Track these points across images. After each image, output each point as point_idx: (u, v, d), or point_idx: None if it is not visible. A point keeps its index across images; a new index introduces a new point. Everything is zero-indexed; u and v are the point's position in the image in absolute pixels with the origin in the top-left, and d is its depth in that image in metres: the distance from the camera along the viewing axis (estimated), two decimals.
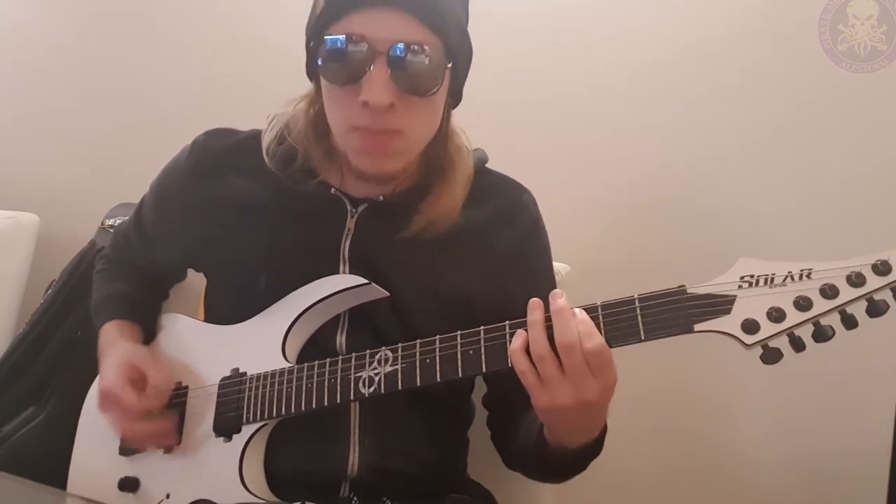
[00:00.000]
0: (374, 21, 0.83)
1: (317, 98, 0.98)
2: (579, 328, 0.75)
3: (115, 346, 1.03)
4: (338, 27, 0.85)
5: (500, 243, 0.99)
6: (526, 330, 0.79)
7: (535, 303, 0.79)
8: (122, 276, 1.15)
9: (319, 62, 0.87)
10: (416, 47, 0.83)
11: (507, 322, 0.82)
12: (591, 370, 0.75)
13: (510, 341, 0.81)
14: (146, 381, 0.97)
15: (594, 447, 0.87)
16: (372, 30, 0.83)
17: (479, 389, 1.09)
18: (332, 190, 0.97)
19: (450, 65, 0.88)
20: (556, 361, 0.76)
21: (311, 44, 0.90)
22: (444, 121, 0.96)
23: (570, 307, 0.77)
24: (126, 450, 1.01)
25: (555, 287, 1.04)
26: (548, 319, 0.78)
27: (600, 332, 0.77)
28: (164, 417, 0.97)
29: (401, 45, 0.83)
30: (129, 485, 0.98)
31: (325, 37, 0.85)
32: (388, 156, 0.90)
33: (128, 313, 1.09)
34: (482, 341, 0.82)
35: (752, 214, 1.44)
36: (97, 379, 1.08)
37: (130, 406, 0.95)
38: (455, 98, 0.97)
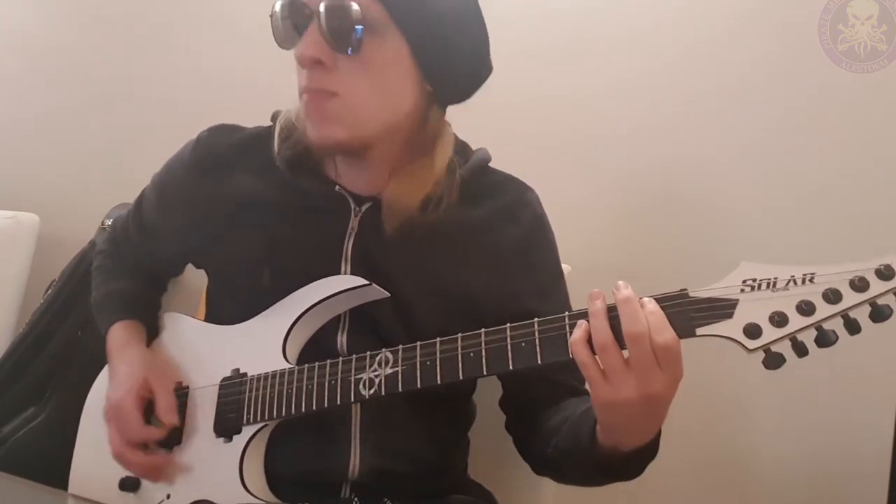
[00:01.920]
0: None
1: None
2: (649, 319, 0.72)
3: (129, 351, 1.03)
4: None
5: (503, 241, 0.99)
6: (587, 321, 0.75)
7: (596, 293, 0.76)
8: (121, 273, 1.15)
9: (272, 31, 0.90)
10: (342, 6, 0.85)
11: (508, 325, 0.81)
12: (658, 363, 0.72)
13: (510, 344, 0.80)
14: (155, 403, 0.96)
15: (650, 449, 0.81)
16: None
17: (485, 391, 1.08)
18: (337, 188, 0.97)
19: (403, 36, 0.87)
20: (619, 352, 0.73)
21: None
22: (420, 108, 0.94)
23: (636, 297, 0.73)
24: None
25: (563, 283, 1.05)
26: (611, 310, 0.74)
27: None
28: (159, 452, 0.96)
29: (326, 5, 0.85)
30: (129, 484, 0.98)
31: (276, 5, 0.89)
32: (327, 120, 0.90)
33: (132, 312, 1.09)
34: (483, 343, 0.82)
35: (752, 214, 1.44)
36: (99, 377, 1.09)
37: (133, 432, 0.94)
38: (434, 85, 0.93)
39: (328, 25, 0.85)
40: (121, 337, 1.05)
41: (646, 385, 0.72)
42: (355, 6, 0.85)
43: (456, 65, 0.94)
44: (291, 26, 0.88)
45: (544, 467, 1.01)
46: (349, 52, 0.86)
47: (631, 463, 0.82)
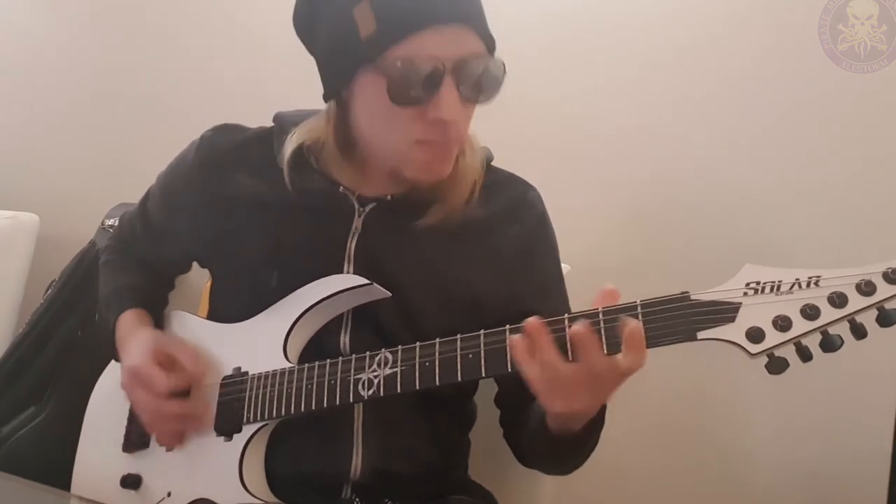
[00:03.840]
0: (438, 39, 0.82)
1: (338, 118, 0.94)
2: (606, 360, 0.74)
3: (137, 332, 1.03)
4: (401, 49, 0.82)
5: (507, 241, 0.99)
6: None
7: (534, 326, 0.76)
8: (129, 269, 1.15)
9: (387, 87, 0.83)
10: (473, 61, 0.85)
11: (508, 326, 0.81)
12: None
13: (509, 346, 0.80)
14: (175, 363, 0.96)
15: (598, 422, 0.85)
16: (439, 48, 0.82)
17: (485, 392, 1.08)
18: (340, 189, 0.97)
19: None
20: (574, 379, 0.75)
21: (350, 65, 0.87)
22: None
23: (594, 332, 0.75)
24: (129, 445, 1.02)
25: (562, 283, 1.05)
26: (557, 331, 0.76)
27: (600, 338, 0.75)
28: (196, 401, 0.96)
29: (468, 61, 0.84)
30: (131, 482, 0.98)
31: (392, 61, 0.82)
32: (449, 161, 0.91)
33: (141, 303, 1.09)
34: (482, 345, 0.81)
35: (753, 214, 1.44)
36: (102, 377, 1.09)
37: (161, 384, 0.93)
38: None
39: (467, 85, 0.85)
40: (130, 323, 1.05)
41: (599, 398, 0.78)
42: (483, 58, 0.86)
43: None
44: (420, 86, 0.83)
45: (526, 457, 1.01)
46: (485, 102, 0.89)
47: (585, 439, 0.86)
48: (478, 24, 0.87)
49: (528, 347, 0.76)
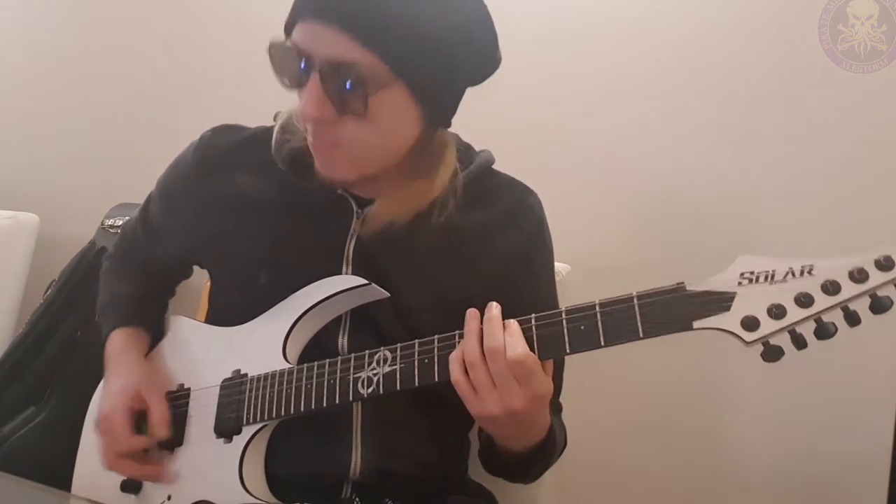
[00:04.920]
0: (312, 35, 0.82)
1: None
2: (506, 338, 0.79)
3: (124, 361, 1.03)
4: (293, 33, 0.84)
5: (505, 245, 0.99)
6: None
7: (471, 313, 0.83)
8: (128, 277, 1.15)
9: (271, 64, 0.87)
10: (341, 67, 0.80)
11: (504, 321, 0.82)
12: (516, 379, 0.78)
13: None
14: (148, 413, 0.97)
15: (541, 451, 0.90)
16: (310, 43, 0.82)
17: None
18: (339, 190, 0.97)
19: (403, 82, 0.83)
20: (486, 370, 0.79)
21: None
22: (424, 136, 0.91)
23: (500, 318, 0.81)
24: None
25: (554, 291, 1.06)
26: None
27: (598, 331, 0.77)
28: (154, 457, 0.98)
29: (326, 65, 0.81)
30: (131, 486, 0.98)
31: (274, 42, 0.85)
32: (334, 165, 0.90)
33: (133, 318, 1.09)
34: None
35: (752, 215, 1.44)
36: (104, 380, 1.09)
37: (121, 444, 0.95)
38: (436, 114, 0.91)
39: (331, 89, 0.81)
40: (118, 346, 1.06)
41: (508, 401, 0.79)
42: (356, 69, 0.80)
43: (458, 87, 0.92)
44: (293, 70, 0.84)
45: (486, 466, 1.03)
46: (355, 115, 0.83)
47: (526, 462, 0.91)
48: (356, 28, 0.80)
49: (461, 354, 0.81)
